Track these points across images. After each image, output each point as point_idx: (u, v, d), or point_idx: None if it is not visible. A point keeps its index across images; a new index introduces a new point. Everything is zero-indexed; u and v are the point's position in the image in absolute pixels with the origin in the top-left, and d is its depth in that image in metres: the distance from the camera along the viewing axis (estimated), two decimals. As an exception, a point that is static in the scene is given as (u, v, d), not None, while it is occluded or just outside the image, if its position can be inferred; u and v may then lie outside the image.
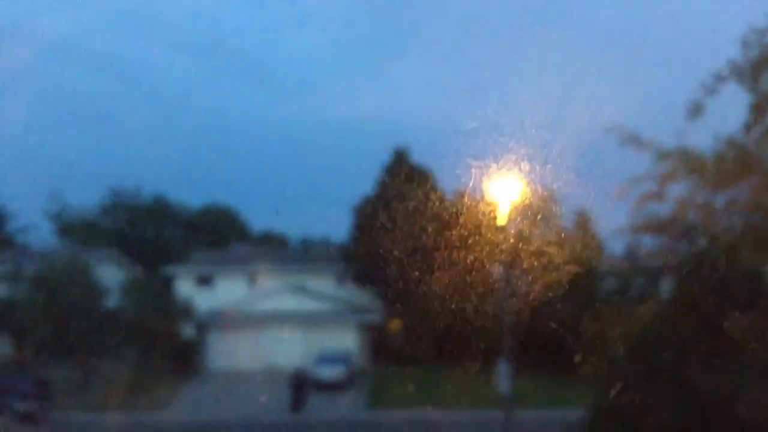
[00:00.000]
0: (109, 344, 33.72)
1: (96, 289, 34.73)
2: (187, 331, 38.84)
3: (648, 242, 11.47)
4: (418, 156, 41.61)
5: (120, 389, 31.02)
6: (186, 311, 37.65)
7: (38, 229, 70.12)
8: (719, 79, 9.27)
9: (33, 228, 70.18)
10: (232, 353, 38.43)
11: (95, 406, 29.29)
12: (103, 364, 34.53)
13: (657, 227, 10.48)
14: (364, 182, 45.03)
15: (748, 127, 9.46)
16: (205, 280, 45.52)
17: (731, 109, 9.84)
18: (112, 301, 35.43)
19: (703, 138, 9.74)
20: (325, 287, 43.86)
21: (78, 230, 64.54)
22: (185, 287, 43.77)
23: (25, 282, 35.99)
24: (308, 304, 40.17)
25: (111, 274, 43.55)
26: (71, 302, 32.33)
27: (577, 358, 10.83)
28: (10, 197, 79.38)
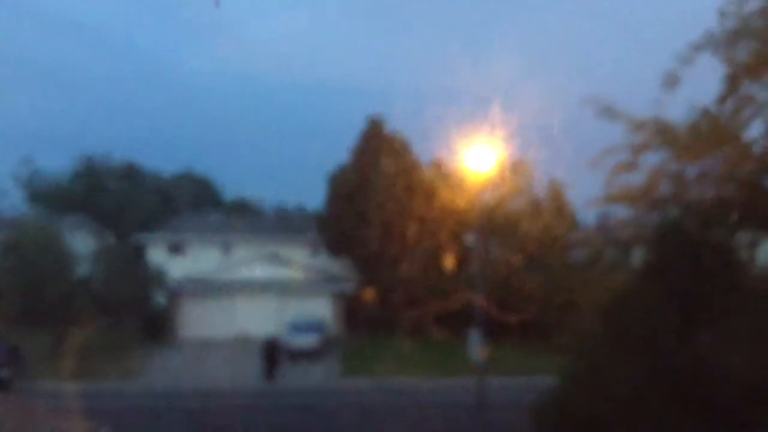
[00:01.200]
0: (80, 312, 33.39)
1: (67, 257, 34.35)
2: (160, 299, 38.62)
3: (620, 212, 11.52)
4: (394, 125, 41.50)
5: (91, 357, 30.85)
6: (158, 279, 37.40)
7: (9, 196, 69.20)
8: (695, 49, 9.26)
9: (3, 194, 69.23)
10: (205, 322, 38.38)
11: (66, 374, 29.11)
12: (74, 332, 34.24)
13: (630, 197, 10.53)
14: (340, 151, 44.91)
15: (722, 99, 9.48)
16: (177, 248, 45.20)
17: (706, 81, 9.85)
18: (83, 269, 35.07)
19: (678, 109, 9.76)
20: (300, 256, 43.83)
21: (49, 197, 63.71)
22: (157, 255, 43.46)
23: (-5, 249, 35.53)
24: (282, 273, 40.14)
25: (82, 242, 43.11)
26: (42, 269, 31.95)
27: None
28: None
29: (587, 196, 11.98)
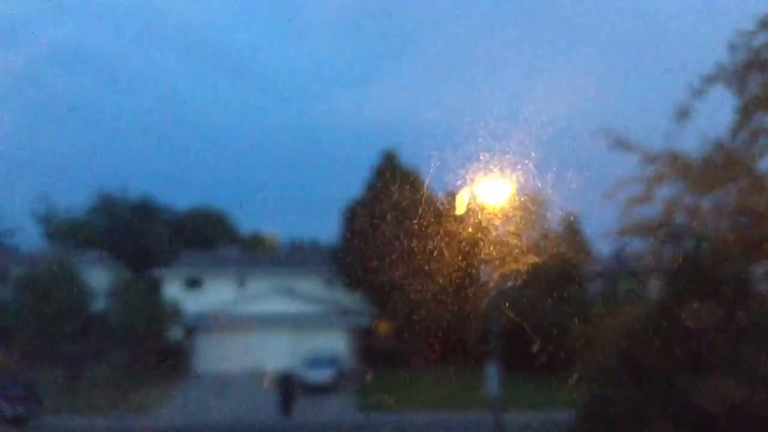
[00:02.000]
0: (96, 347, 33.53)
1: (83, 292, 34.55)
2: (175, 333, 38.66)
3: (636, 244, 11.52)
4: (408, 159, 41.64)
5: (107, 392, 30.90)
6: (174, 314, 37.49)
7: (25, 232, 69.86)
8: (707, 81, 9.33)
9: (20, 230, 69.88)
10: (221, 356, 38.30)
11: (83, 409, 29.14)
12: (91, 367, 34.36)
13: (645, 229, 10.54)
14: (353, 185, 45.14)
15: (734, 130, 9.51)
16: (193, 283, 45.35)
17: (718, 113, 9.90)
18: (99, 304, 35.25)
19: (690, 141, 9.81)
20: (314, 290, 43.85)
21: (65, 232, 64.22)
22: (173, 289, 43.59)
23: (12, 284, 35.81)
24: (297, 307, 40.13)
25: (98, 277, 43.35)
26: (58, 305, 32.13)
27: (535, 349, 10.84)
28: (-2, 200, 78.97)
29: (602, 228, 11.99)
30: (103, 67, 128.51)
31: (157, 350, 36.64)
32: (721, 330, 8.31)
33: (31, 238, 69.45)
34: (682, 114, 9.53)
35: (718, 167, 9.44)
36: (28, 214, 68.20)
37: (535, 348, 26.37)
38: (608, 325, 11.40)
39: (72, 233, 62.83)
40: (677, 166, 9.76)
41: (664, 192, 10.27)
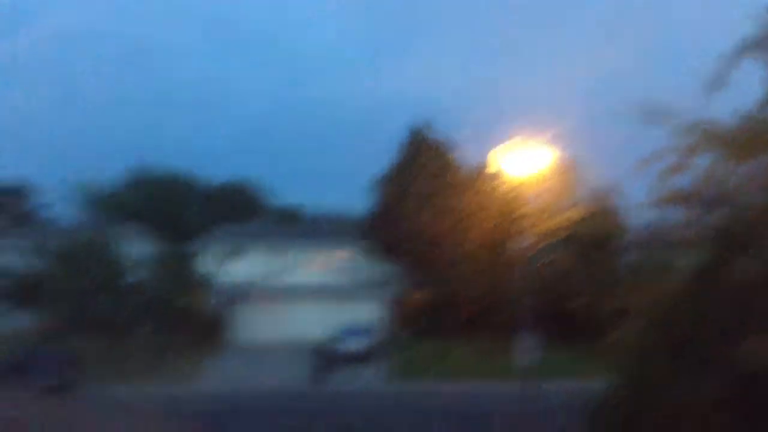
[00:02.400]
0: (133, 318, 34.27)
1: (119, 264, 35.24)
2: (211, 305, 39.32)
3: (671, 215, 11.46)
4: (439, 130, 41.66)
5: (146, 362, 31.64)
6: (209, 285, 38.10)
7: (63, 205, 71.21)
8: (741, 51, 9.21)
9: (58, 204, 71.32)
10: (257, 326, 38.95)
11: (121, 377, 29.89)
12: (128, 337, 35.16)
13: (680, 199, 10.48)
14: (386, 157, 45.20)
15: (763, 102, 9.42)
16: (229, 255, 45.92)
17: (752, 83, 9.80)
18: (136, 276, 35.92)
19: (722, 112, 9.72)
20: (347, 260, 44.17)
21: (102, 206, 65.35)
22: (208, 262, 44.23)
23: (50, 257, 36.58)
24: (331, 278, 40.51)
25: (135, 249, 44.15)
26: (95, 277, 32.84)
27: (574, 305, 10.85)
28: (37, 174, 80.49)
29: (636, 199, 11.95)
30: (138, 46, 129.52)
31: (193, 321, 37.35)
32: (758, 299, 8.29)
33: (68, 212, 70.77)
34: (716, 83, 9.44)
35: (750, 138, 9.35)
36: (65, 188, 69.57)
37: (574, 305, 26.25)
38: (643, 294, 11.40)
39: (108, 207, 63.92)
40: (712, 136, 9.69)
41: (699, 162, 10.21)
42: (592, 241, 32.98)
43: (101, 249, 35.48)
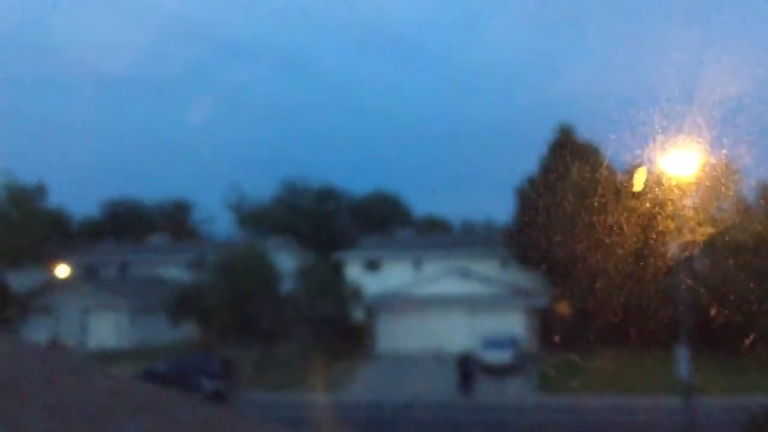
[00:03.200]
0: (285, 327, 35.38)
1: (273, 275, 36.51)
2: (357, 314, 39.99)
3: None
4: (584, 135, 40.20)
5: (297, 370, 32.56)
6: (355, 295, 38.78)
7: (219, 220, 75.32)
8: None
9: (215, 219, 75.56)
10: (400, 336, 39.19)
11: (275, 385, 30.91)
12: (281, 345, 36.37)
13: None
14: (528, 163, 44.23)
15: None
16: (372, 265, 46.75)
17: None
18: (287, 286, 37.11)
19: None
20: (490, 270, 43.64)
21: (255, 220, 68.47)
22: (354, 272, 45.19)
23: (209, 269, 38.56)
24: (473, 288, 40.13)
25: (286, 261, 45.84)
26: (250, 288, 34.15)
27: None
28: (195, 190, 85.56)
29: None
30: (286, 60, 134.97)
31: (341, 330, 38.11)
32: None
33: (224, 226, 74.71)
34: None
35: None
36: (221, 204, 73.56)
37: (720, 318, 24.57)
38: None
39: (260, 220, 66.87)
40: None
41: None
42: (752, 247, 30.65)
43: (257, 261, 36.92)
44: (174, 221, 72.79)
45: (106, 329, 42.40)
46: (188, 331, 40.32)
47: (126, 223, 68.82)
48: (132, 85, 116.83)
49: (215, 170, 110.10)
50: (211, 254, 40.47)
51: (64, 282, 44.85)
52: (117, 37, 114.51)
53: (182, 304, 37.69)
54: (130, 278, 50.09)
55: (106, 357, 35.66)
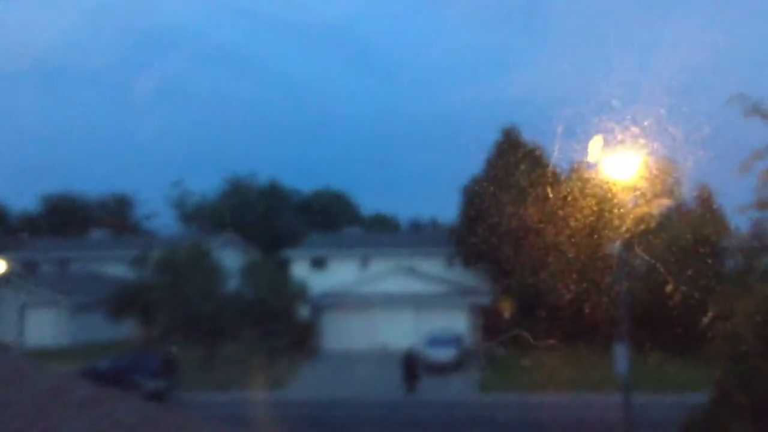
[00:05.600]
0: (230, 325, 35.03)
1: (217, 273, 36.07)
2: (303, 312, 39.83)
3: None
4: (530, 134, 40.85)
5: (240, 368, 32.29)
6: (302, 293, 38.59)
7: (163, 217, 74.15)
8: None
9: (158, 215, 74.29)
10: (346, 334, 39.20)
11: (218, 384, 30.60)
12: (225, 344, 36.00)
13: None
14: (473, 164, 44.73)
15: None
16: (319, 263, 46.67)
17: None
18: (232, 284, 36.74)
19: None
20: (435, 269, 44.01)
21: (199, 216, 67.59)
22: (300, 270, 45.00)
23: (151, 266, 37.90)
24: (419, 286, 40.37)
25: (231, 258, 45.36)
26: (194, 285, 33.67)
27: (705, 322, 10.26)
28: (138, 186, 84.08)
29: (738, 201, 11.30)
30: (232, 59, 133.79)
31: (286, 328, 37.90)
32: None
33: (167, 222, 73.61)
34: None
35: None
36: (164, 200, 72.40)
37: (659, 315, 25.11)
38: (746, 302, 10.78)
39: (205, 217, 66.04)
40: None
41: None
42: (690, 245, 31.54)
43: (200, 258, 36.44)
44: (116, 217, 71.40)
45: (45, 326, 41.38)
46: (130, 328, 39.64)
47: (66, 218, 67.23)
48: (72, 76, 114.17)
49: (159, 166, 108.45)
50: (154, 251, 39.78)
51: (2, 278, 43.53)
52: (62, 29, 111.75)
53: (124, 301, 36.98)
54: (71, 274, 48.93)
55: (45, 355, 34.82)
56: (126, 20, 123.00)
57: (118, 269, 44.56)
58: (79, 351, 36.45)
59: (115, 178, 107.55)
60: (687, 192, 34.84)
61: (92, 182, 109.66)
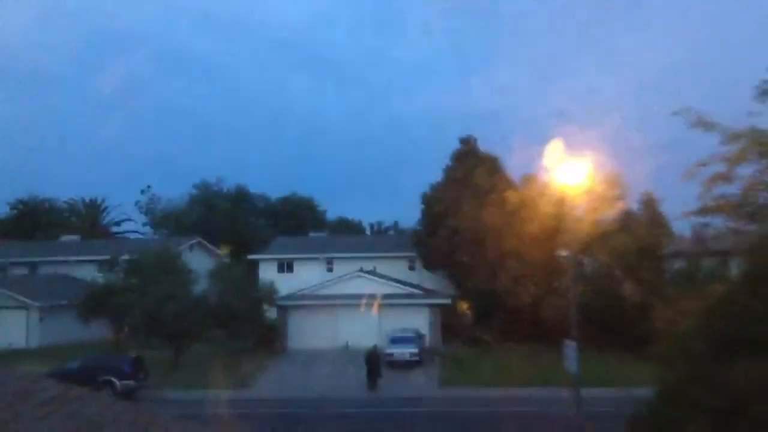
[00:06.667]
0: (197, 326, 34.71)
1: (185, 276, 35.72)
2: (270, 313, 39.64)
3: (717, 223, 11.04)
4: (486, 144, 41.41)
5: (208, 368, 31.99)
6: (269, 295, 38.39)
7: (133, 221, 73.08)
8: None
9: (128, 219, 73.20)
10: (311, 334, 39.08)
11: (187, 383, 30.28)
12: (193, 345, 35.63)
13: (726, 209, 10.08)
14: (434, 171, 45.10)
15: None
16: (285, 266, 46.53)
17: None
18: (200, 286, 36.43)
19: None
20: (398, 271, 44.17)
21: (169, 220, 66.78)
22: (268, 273, 44.83)
23: (121, 270, 37.39)
24: (381, 288, 40.43)
25: (198, 261, 44.93)
26: (163, 288, 33.33)
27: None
28: (108, 191, 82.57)
29: (682, 208, 11.52)
30: (198, 66, 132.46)
31: (254, 329, 37.67)
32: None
33: (137, 227, 72.72)
34: (765, 92, 9.07)
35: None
36: (134, 205, 71.40)
37: (606, 315, 25.36)
38: (689, 303, 10.99)
39: (174, 221, 65.29)
40: (760, 144, 9.30)
41: (746, 171, 9.80)
42: (637, 249, 32.21)
43: (168, 262, 36.04)
44: (86, 221, 70.27)
45: (15, 328, 40.45)
46: (99, 330, 39.03)
47: (36, 222, 65.91)
48: (39, 80, 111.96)
49: (129, 172, 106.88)
50: (123, 254, 39.23)
51: (-29, 281, 42.53)
52: (36, 34, 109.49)
53: (93, 303, 36.38)
54: (40, 277, 47.95)
55: (14, 356, 34.18)
56: (89, 24, 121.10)
57: (87, 273, 43.90)
58: (49, 353, 35.81)
59: (84, 184, 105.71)
60: (634, 199, 35.62)
61: (61, 187, 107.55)
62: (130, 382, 28.34)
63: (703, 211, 10.31)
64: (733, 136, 9.53)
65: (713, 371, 7.79)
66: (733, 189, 10.04)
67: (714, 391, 7.62)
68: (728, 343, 7.87)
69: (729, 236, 10.87)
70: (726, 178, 9.89)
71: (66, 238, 56.67)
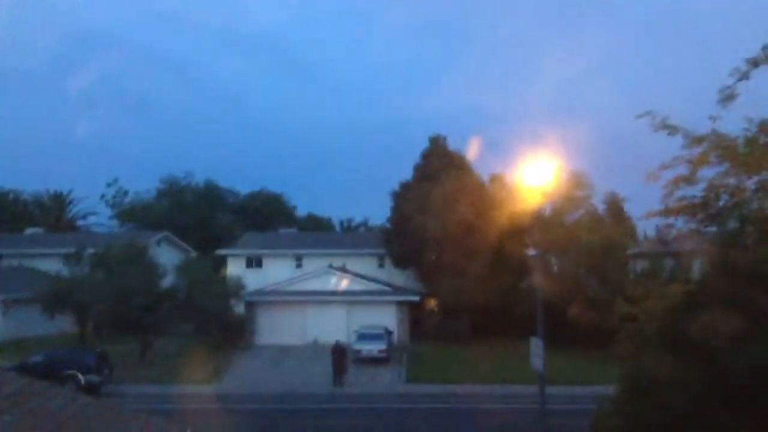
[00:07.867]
0: (165, 321, 34.35)
1: (152, 270, 35.32)
2: (238, 309, 39.37)
3: (679, 225, 11.19)
4: (454, 145, 41.62)
5: (175, 363, 31.70)
6: (237, 290, 38.13)
7: (99, 214, 71.98)
8: (752, 63, 8.98)
9: (94, 213, 72.07)
10: (279, 330, 38.94)
11: (152, 378, 29.97)
12: (160, 339, 35.28)
13: (688, 210, 10.22)
14: (404, 170, 45.15)
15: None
16: (254, 262, 46.23)
17: (764, 93, 9.54)
18: (167, 281, 36.07)
19: (735, 124, 9.47)
20: (367, 268, 44.17)
21: (135, 214, 65.97)
22: (236, 268, 44.52)
23: (87, 263, 36.84)
24: (350, 285, 40.42)
25: (166, 256, 44.43)
26: (129, 282, 32.91)
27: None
28: (74, 185, 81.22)
29: (646, 209, 11.67)
30: (172, 65, 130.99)
31: (221, 324, 37.42)
32: (764, 305, 8.04)
33: (103, 220, 71.68)
34: (727, 96, 9.21)
35: (762, 148, 9.10)
36: (100, 199, 70.35)
37: (572, 314, 25.77)
38: (650, 303, 11.15)
39: (142, 215, 64.52)
40: (722, 147, 9.45)
41: (708, 173, 9.96)
42: (601, 249, 32.63)
43: (134, 255, 35.61)
44: (51, 214, 69.06)
45: (-24, 322, 39.58)
46: (65, 324, 38.41)
47: (0, 214, 64.62)
48: (8, 77, 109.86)
49: (96, 166, 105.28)
50: (89, 247, 38.63)
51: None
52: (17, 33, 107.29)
53: (58, 297, 35.75)
54: (4, 270, 46.98)
55: (-24, 350, 33.51)
56: (60, 22, 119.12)
57: (52, 266, 43.16)
58: (13, 346, 35.16)
59: (50, 177, 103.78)
60: (598, 201, 36.06)
61: (27, 180, 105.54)
62: (94, 377, 27.92)
63: (665, 212, 10.43)
64: (696, 140, 9.67)
65: (671, 370, 7.92)
66: (695, 191, 10.20)
67: (675, 389, 7.75)
68: (686, 344, 8.01)
69: (691, 237, 11.04)
70: (689, 180, 10.03)
71: (31, 230, 55.65)
